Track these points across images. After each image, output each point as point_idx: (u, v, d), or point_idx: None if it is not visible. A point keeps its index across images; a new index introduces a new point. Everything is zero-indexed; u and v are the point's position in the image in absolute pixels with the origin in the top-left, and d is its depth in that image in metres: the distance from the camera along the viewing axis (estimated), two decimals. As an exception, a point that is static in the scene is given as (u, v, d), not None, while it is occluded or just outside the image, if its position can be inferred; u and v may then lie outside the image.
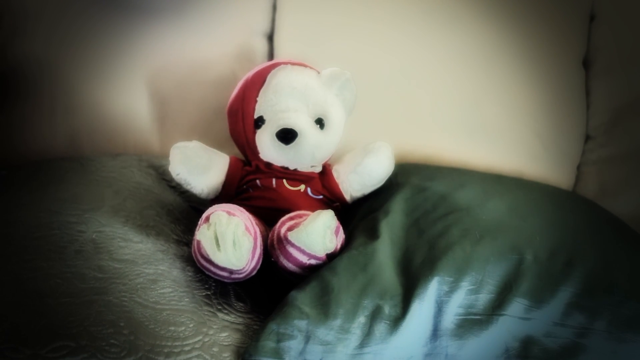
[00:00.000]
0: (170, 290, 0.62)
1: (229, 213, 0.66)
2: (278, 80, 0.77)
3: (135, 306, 0.57)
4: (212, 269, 0.65)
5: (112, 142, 0.95)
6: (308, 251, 0.66)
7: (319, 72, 0.80)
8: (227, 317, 0.63)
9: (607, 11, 0.98)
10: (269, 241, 0.70)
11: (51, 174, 0.78)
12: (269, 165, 0.78)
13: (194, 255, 0.67)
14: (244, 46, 0.97)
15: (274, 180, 0.77)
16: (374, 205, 0.77)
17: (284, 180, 0.78)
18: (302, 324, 0.60)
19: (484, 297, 0.62)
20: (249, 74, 0.81)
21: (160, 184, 0.85)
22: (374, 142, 0.80)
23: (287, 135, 0.74)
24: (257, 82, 0.79)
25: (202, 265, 0.66)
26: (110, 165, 0.83)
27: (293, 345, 0.59)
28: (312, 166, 0.80)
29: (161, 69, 0.96)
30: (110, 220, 0.69)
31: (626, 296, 0.62)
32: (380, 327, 0.60)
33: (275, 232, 0.69)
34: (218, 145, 0.82)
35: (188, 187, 0.78)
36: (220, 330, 0.60)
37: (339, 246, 0.69)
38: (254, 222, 0.69)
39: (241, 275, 0.67)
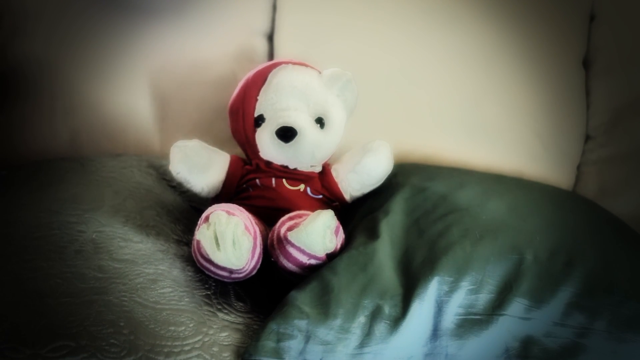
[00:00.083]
0: (170, 290, 0.62)
1: (228, 212, 0.66)
2: (279, 79, 0.77)
3: (135, 306, 0.57)
4: (212, 268, 0.65)
5: (112, 142, 0.95)
6: (308, 251, 0.66)
7: (320, 72, 0.80)
8: (227, 317, 0.63)
9: (607, 11, 0.98)
10: (268, 241, 0.70)
11: (51, 174, 0.78)
12: (269, 164, 0.78)
13: (193, 255, 0.67)
14: (244, 46, 0.97)
15: (273, 180, 0.77)
16: (374, 205, 0.77)
17: (284, 180, 0.78)
18: (302, 323, 0.60)
19: (484, 297, 0.62)
20: (250, 73, 0.81)
21: (161, 184, 0.85)
22: (373, 141, 0.79)
23: (286, 134, 0.74)
24: (258, 81, 0.79)
25: (202, 265, 0.66)
26: (110, 165, 0.83)
27: (293, 345, 0.59)
28: (311, 166, 0.80)
29: (161, 69, 0.96)
30: (110, 220, 0.69)
31: (626, 296, 0.62)
32: (380, 327, 0.60)
33: (275, 232, 0.69)
34: (218, 145, 0.82)
35: (188, 186, 0.78)
36: (220, 330, 0.60)
37: (339, 246, 0.69)
38: (253, 222, 0.69)
39: (241, 275, 0.67)
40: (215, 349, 0.57)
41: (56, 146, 0.94)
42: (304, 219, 0.67)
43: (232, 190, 0.79)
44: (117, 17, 0.95)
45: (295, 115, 0.75)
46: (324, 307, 0.61)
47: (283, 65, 0.79)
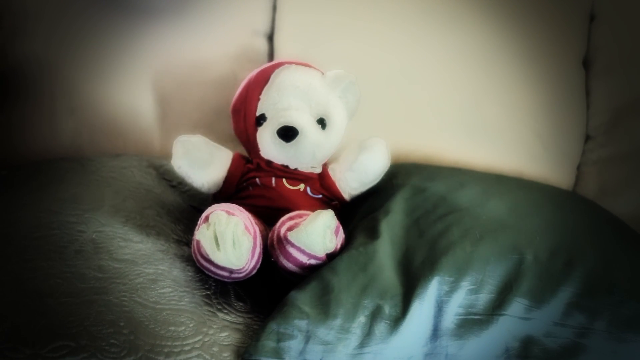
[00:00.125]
0: (170, 290, 0.62)
1: (228, 212, 0.66)
2: (281, 79, 0.78)
3: (135, 306, 0.57)
4: (212, 268, 0.65)
5: (113, 142, 0.95)
6: (308, 251, 0.66)
7: (323, 73, 0.80)
8: (227, 317, 0.63)
9: (607, 11, 0.98)
10: (268, 241, 0.70)
11: (51, 174, 0.78)
12: (269, 163, 0.78)
13: (193, 255, 0.67)
14: (244, 46, 0.97)
15: (273, 179, 0.77)
16: (374, 205, 0.77)
17: (284, 180, 0.78)
18: (302, 323, 0.60)
19: (484, 297, 0.62)
20: (253, 72, 0.81)
21: (161, 184, 0.85)
22: (368, 139, 0.79)
23: (287, 133, 0.74)
24: (260, 81, 0.79)
25: (202, 265, 0.66)
26: (110, 165, 0.83)
27: (293, 345, 0.59)
28: (312, 167, 0.80)
29: (161, 69, 0.96)
30: (110, 220, 0.69)
31: (626, 296, 0.62)
32: (381, 327, 0.60)
33: (275, 232, 0.69)
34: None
35: (189, 181, 0.78)
36: (220, 330, 0.60)
37: (339, 246, 0.69)
38: (253, 222, 0.69)
39: (241, 275, 0.67)
40: (215, 349, 0.57)
41: (56, 146, 0.94)
42: (304, 219, 0.67)
43: (233, 188, 0.79)
44: (117, 17, 0.95)
45: (296, 115, 0.75)
46: (324, 307, 0.61)
47: (286, 65, 0.79)
